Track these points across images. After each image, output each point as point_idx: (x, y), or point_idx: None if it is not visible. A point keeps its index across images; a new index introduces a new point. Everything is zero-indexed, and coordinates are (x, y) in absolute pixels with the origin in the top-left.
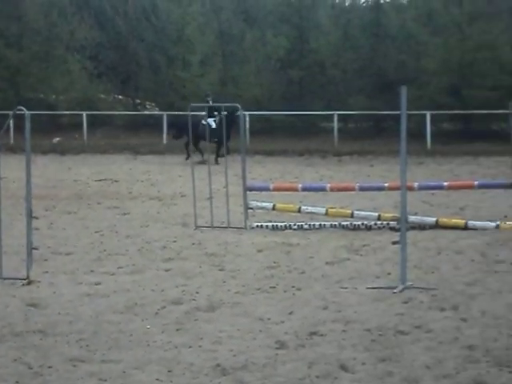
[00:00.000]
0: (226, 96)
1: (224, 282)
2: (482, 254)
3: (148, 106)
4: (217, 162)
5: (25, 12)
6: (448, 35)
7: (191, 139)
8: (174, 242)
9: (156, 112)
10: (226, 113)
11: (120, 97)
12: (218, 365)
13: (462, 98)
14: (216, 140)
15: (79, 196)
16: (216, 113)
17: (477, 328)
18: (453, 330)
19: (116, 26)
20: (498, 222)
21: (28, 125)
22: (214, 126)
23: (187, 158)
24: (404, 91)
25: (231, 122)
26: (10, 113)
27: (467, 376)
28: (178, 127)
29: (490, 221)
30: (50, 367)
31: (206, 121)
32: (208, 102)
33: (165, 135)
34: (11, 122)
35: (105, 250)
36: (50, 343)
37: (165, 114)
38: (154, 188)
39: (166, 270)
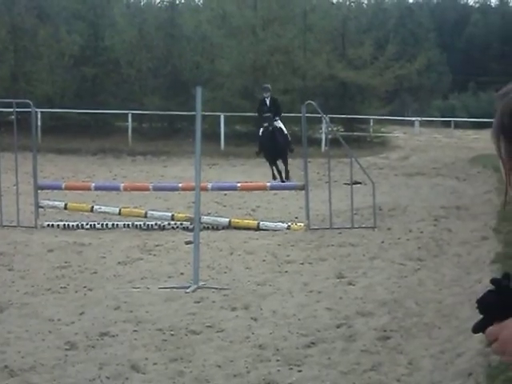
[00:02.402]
0: (17, 92)
1: (13, 282)
2: (273, 254)
3: None
4: (283, 179)
5: None
6: (242, 38)
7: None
8: None
9: None
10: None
11: None
12: (6, 366)
13: (254, 100)
14: (257, 151)
15: None
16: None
17: (267, 327)
18: (244, 330)
19: None
20: (289, 223)
21: None
22: (260, 132)
23: (274, 178)
24: (199, 92)
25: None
26: None
27: (258, 375)
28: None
29: (281, 222)
30: None
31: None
32: (264, 98)
33: None
34: None
35: None
36: None
37: None
38: None
39: None
